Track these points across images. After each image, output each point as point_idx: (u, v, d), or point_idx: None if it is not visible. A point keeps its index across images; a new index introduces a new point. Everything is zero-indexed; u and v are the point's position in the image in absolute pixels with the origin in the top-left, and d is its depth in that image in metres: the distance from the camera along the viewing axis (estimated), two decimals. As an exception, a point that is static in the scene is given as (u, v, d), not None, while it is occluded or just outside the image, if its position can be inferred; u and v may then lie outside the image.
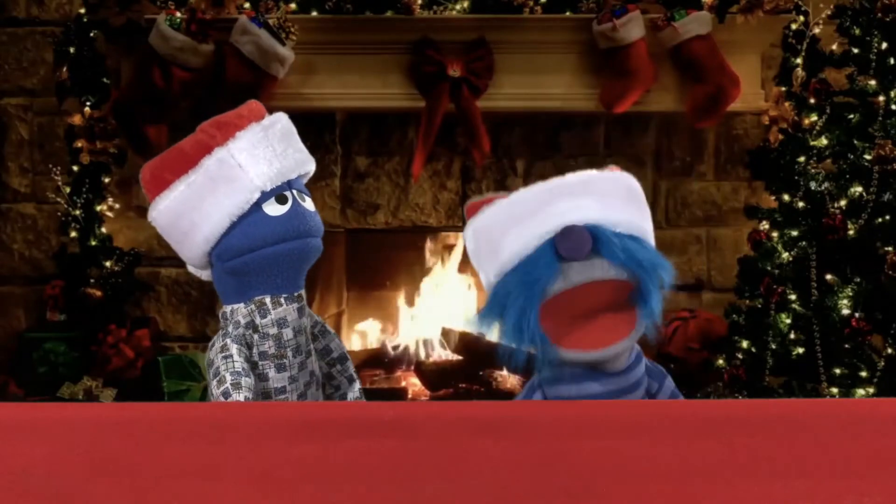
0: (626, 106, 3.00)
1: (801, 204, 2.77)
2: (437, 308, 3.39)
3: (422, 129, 3.02)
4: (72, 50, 3.04)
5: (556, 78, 3.08)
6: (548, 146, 3.23)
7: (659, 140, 3.19)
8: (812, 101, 2.81)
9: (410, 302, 3.43)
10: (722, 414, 1.13)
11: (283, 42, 2.90)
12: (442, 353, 3.30)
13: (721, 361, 2.83)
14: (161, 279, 3.23)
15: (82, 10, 3.05)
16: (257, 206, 1.49)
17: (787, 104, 2.92)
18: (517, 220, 1.48)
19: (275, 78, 2.94)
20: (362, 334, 3.44)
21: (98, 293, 3.00)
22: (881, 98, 2.70)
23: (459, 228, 3.28)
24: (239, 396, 1.45)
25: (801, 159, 2.80)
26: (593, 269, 1.44)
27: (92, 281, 3.01)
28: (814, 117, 2.81)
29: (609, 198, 1.48)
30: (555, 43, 3.06)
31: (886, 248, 2.65)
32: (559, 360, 1.48)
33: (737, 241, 3.15)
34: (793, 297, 2.74)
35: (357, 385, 1.73)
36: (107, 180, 3.11)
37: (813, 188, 2.75)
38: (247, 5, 3.04)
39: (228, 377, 1.47)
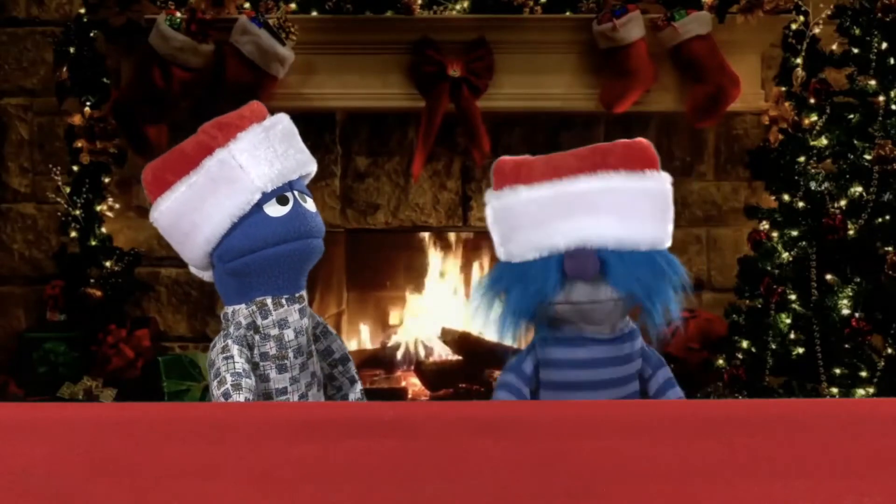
0: (626, 106, 3.00)
1: (801, 204, 2.77)
2: (437, 308, 3.39)
3: (422, 129, 3.02)
4: (72, 50, 3.04)
5: (556, 78, 3.08)
6: (548, 146, 3.22)
7: (659, 140, 3.19)
8: (812, 101, 2.81)
9: (410, 302, 3.44)
10: (722, 414, 1.13)
11: (283, 42, 2.90)
12: (442, 353, 3.30)
13: (721, 361, 2.83)
14: (161, 279, 3.23)
15: (82, 10, 3.05)
16: (258, 206, 1.49)
17: (787, 104, 2.92)
18: (530, 223, 1.50)
19: (275, 78, 2.94)
20: (362, 334, 3.44)
21: (98, 293, 3.00)
22: (881, 98, 2.70)
23: (459, 228, 3.28)
24: (239, 397, 1.45)
25: (801, 159, 2.79)
26: (597, 292, 1.48)
27: (92, 281, 3.01)
28: (814, 117, 2.81)
29: (631, 214, 1.48)
30: (555, 43, 3.06)
31: (886, 248, 2.65)
32: (551, 319, 1.50)
33: (737, 241, 3.15)
34: (793, 297, 2.74)
35: (358, 386, 1.73)
36: (107, 180, 3.11)
37: (813, 188, 2.75)
38: (247, 5, 3.04)
39: (229, 378, 1.47)
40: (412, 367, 3.27)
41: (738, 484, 0.85)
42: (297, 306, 1.55)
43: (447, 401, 2.94)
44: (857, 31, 2.75)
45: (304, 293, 1.58)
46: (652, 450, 0.94)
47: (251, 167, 1.49)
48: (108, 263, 3.04)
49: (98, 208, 3.07)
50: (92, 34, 3.04)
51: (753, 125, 3.19)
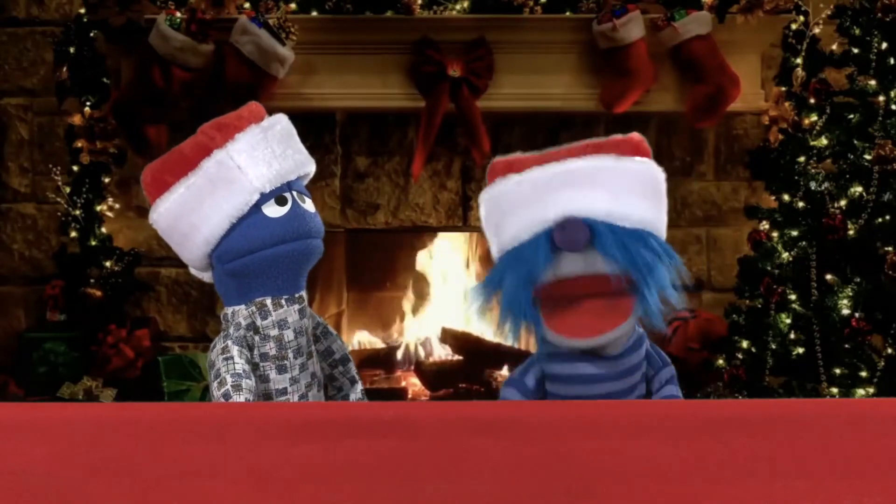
0: (626, 106, 3.00)
1: (801, 204, 2.77)
2: (437, 308, 3.39)
3: (422, 129, 3.02)
4: (72, 50, 3.04)
5: (556, 78, 3.08)
6: (548, 146, 3.22)
7: (659, 140, 3.19)
8: (812, 101, 2.81)
9: (410, 302, 3.44)
10: (722, 414, 1.13)
11: (283, 42, 2.90)
12: (442, 353, 3.30)
13: (721, 361, 2.83)
14: (161, 279, 3.23)
15: (82, 10, 3.05)
16: (257, 207, 1.49)
17: (787, 104, 2.92)
18: (522, 203, 1.48)
19: (275, 78, 2.94)
20: (362, 334, 3.44)
21: (98, 293, 3.00)
22: (881, 98, 2.70)
23: (459, 228, 3.28)
24: (240, 398, 1.45)
25: (801, 159, 2.79)
26: (586, 263, 1.44)
27: (92, 281, 3.01)
28: (814, 117, 2.81)
29: (621, 189, 1.46)
30: (555, 43, 3.06)
31: (886, 248, 2.65)
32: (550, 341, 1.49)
33: (737, 241, 3.15)
34: (793, 297, 2.74)
35: (359, 387, 1.73)
36: (107, 180, 3.11)
37: (813, 188, 2.75)
38: (247, 5, 3.04)
39: (229, 379, 1.47)
40: (412, 367, 3.27)
41: (738, 484, 0.85)
42: (296, 307, 1.55)
43: (447, 401, 2.94)
44: (857, 31, 2.75)
45: (303, 294, 1.58)
46: (652, 450, 0.94)
47: (249, 168, 1.49)
48: (108, 263, 3.04)
49: (98, 208, 3.07)
50: (92, 34, 3.04)
51: (753, 125, 3.19)
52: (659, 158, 1.54)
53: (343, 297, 3.44)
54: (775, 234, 2.80)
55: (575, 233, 1.42)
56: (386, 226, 3.25)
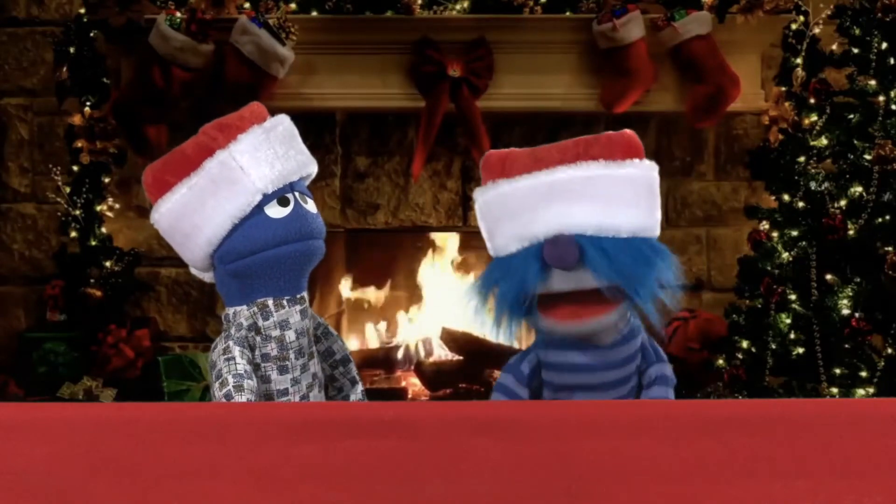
0: (626, 106, 3.00)
1: (801, 204, 2.77)
2: (437, 308, 3.39)
3: (422, 129, 3.02)
4: (72, 50, 3.04)
5: (556, 78, 3.08)
6: (548, 146, 3.23)
7: (659, 140, 3.19)
8: (812, 101, 2.80)
9: (410, 302, 3.43)
10: (722, 414, 1.13)
11: (283, 42, 2.90)
12: (442, 353, 3.30)
13: (721, 361, 2.83)
14: (161, 279, 3.23)
15: (82, 10, 3.05)
16: (259, 208, 1.49)
17: (787, 104, 2.92)
18: (513, 213, 1.49)
19: (275, 78, 2.94)
20: (362, 334, 3.44)
21: (98, 293, 3.00)
22: (881, 98, 2.70)
23: (459, 228, 3.28)
24: (241, 398, 1.45)
25: (801, 159, 2.79)
26: (577, 280, 1.46)
27: (92, 281, 3.01)
28: (814, 117, 2.81)
29: (612, 199, 1.47)
30: (555, 43, 3.06)
31: (886, 248, 2.65)
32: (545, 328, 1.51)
33: (737, 241, 3.15)
34: (793, 297, 2.74)
35: (360, 387, 1.73)
36: (107, 180, 3.11)
37: (813, 188, 2.75)
38: (247, 5, 3.04)
39: (231, 379, 1.47)
40: (412, 367, 3.27)
41: (738, 484, 0.85)
42: (298, 307, 1.55)
43: (447, 401, 2.94)
44: (857, 31, 2.75)
45: (305, 294, 1.58)
46: (652, 450, 0.94)
47: (252, 169, 1.49)
48: (108, 263, 3.04)
49: (98, 208, 3.07)
50: (92, 34, 3.04)
51: (753, 125, 3.19)
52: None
53: (343, 297, 3.44)
54: (775, 234, 2.80)
55: (565, 252, 1.43)
56: (386, 226, 3.25)
